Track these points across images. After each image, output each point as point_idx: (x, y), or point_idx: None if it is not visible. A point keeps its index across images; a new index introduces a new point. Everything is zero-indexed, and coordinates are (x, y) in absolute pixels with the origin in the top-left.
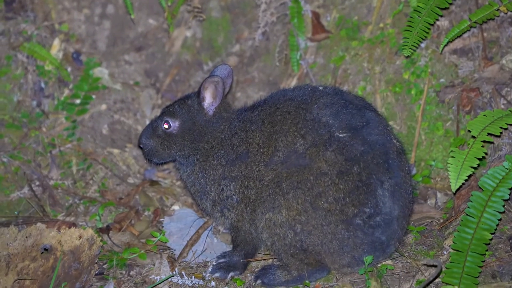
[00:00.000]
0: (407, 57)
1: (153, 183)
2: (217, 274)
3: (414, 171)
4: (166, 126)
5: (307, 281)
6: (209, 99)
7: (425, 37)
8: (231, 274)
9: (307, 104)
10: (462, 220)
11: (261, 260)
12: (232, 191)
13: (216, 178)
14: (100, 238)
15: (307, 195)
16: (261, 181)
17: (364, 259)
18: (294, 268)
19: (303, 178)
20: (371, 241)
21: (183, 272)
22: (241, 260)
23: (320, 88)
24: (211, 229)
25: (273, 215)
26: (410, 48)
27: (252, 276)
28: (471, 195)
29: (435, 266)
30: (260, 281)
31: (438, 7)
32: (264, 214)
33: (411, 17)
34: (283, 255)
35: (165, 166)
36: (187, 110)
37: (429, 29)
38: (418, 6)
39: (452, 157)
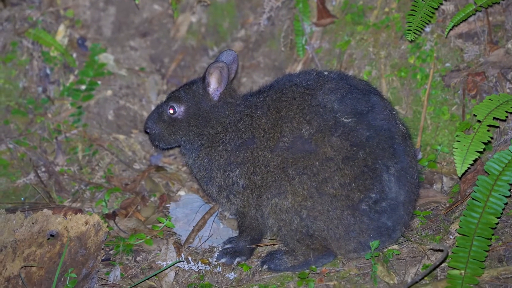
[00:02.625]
0: (411, 41)
1: (159, 168)
2: (223, 260)
3: (420, 156)
4: (171, 111)
5: (313, 266)
6: (214, 85)
7: (429, 21)
8: (237, 259)
9: (313, 90)
10: (468, 205)
11: (267, 245)
12: (238, 176)
13: (222, 163)
14: (107, 224)
15: (313, 180)
16: (266, 167)
17: (370, 244)
18: (300, 253)
19: (308, 163)
20: (377, 226)
21: (190, 258)
22: (247, 246)
23: (325, 73)
24: (217, 214)
25: (279, 200)
26: (414, 32)
27: (259, 262)
28: (477, 179)
29: (442, 250)
30: (267, 267)
31: None
32: (270, 199)
33: (415, 1)
34: (289, 240)
35: (170, 152)
36: (192, 96)
37: (433, 13)
38: None
39: (458, 141)
